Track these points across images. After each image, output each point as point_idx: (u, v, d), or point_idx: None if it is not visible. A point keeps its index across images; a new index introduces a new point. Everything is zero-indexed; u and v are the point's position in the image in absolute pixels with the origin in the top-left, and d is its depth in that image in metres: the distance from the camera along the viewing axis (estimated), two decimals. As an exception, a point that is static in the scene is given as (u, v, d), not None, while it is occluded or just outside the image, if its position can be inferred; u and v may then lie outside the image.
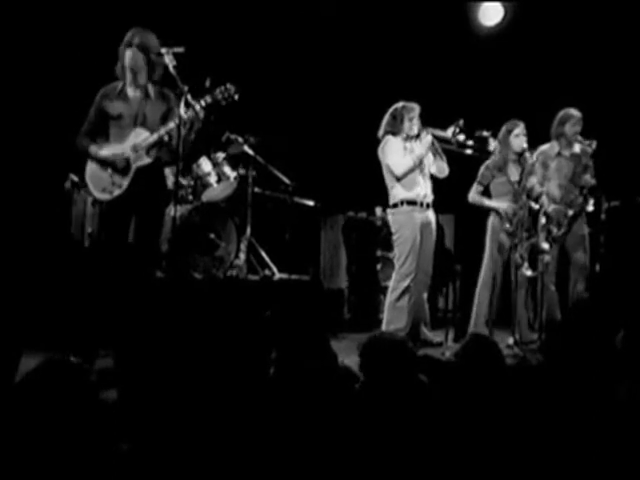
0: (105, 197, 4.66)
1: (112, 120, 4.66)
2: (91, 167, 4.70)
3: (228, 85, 4.70)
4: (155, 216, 4.75)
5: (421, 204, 5.68)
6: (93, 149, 4.66)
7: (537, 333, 5.75)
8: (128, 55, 4.60)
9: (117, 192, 4.63)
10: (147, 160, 4.64)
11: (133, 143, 4.61)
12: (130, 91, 4.67)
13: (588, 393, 2.64)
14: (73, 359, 3.52)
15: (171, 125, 4.58)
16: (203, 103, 4.63)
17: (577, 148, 5.91)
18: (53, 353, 3.74)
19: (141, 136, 4.62)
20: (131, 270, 4.62)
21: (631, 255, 6.57)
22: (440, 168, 5.79)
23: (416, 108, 5.72)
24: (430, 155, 5.73)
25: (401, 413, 2.38)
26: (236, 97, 4.73)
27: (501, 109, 6.36)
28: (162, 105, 4.69)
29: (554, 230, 5.81)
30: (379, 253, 7.23)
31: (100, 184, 4.66)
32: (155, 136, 4.60)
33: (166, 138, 4.61)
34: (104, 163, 4.64)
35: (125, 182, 4.62)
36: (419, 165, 5.67)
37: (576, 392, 2.65)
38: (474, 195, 5.96)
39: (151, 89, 4.69)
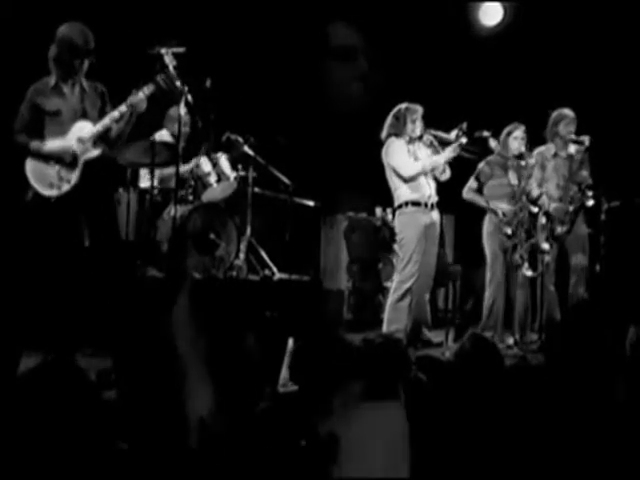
0: (53, 193, 4.48)
1: (48, 116, 4.52)
2: (32, 163, 4.51)
3: (167, 71, 4.62)
4: (108, 211, 4.62)
5: (426, 205, 5.63)
6: (35, 144, 4.49)
7: (537, 333, 5.75)
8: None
9: (66, 187, 4.48)
10: (95, 152, 4.54)
11: (78, 136, 4.48)
12: (65, 87, 4.54)
13: (588, 393, 2.64)
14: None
15: (115, 114, 4.49)
16: (147, 91, 4.55)
17: (572, 149, 5.92)
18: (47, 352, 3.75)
19: (85, 129, 4.51)
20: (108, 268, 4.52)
21: (631, 256, 6.57)
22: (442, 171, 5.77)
23: (419, 110, 5.68)
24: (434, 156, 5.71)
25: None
26: (178, 84, 4.64)
27: (502, 109, 6.36)
28: (97, 100, 4.60)
29: (558, 228, 5.81)
30: (380, 253, 7.22)
31: (45, 179, 4.49)
32: (99, 127, 4.50)
33: (114, 124, 4.52)
34: (49, 158, 4.48)
35: (73, 176, 4.49)
36: (430, 172, 5.66)
37: (576, 392, 2.65)
38: (469, 192, 5.93)
39: (85, 84, 4.59)
